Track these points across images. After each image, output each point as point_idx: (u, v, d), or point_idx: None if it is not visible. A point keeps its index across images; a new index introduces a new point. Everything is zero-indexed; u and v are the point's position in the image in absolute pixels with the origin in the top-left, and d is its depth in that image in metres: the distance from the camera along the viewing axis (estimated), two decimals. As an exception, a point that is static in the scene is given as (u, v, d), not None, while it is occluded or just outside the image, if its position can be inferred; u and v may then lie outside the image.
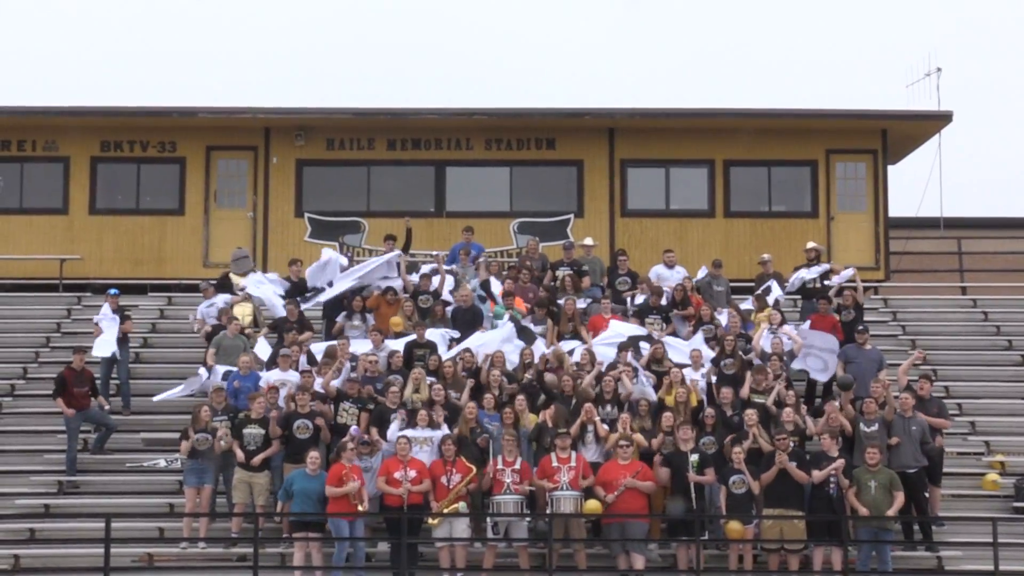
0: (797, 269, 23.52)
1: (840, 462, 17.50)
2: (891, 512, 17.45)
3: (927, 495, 18.61)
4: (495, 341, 20.40)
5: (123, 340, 22.09)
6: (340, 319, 21.70)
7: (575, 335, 21.07)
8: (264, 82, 53.87)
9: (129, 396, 21.81)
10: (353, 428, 18.42)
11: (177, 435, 19.06)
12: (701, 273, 23.44)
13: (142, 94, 51.17)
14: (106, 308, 22.17)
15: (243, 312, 21.87)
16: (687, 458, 17.71)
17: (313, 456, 17.63)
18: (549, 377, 19.38)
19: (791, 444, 17.82)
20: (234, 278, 23.14)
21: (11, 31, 58.38)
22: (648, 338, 20.64)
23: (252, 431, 18.41)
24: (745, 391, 19.08)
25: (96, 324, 22.07)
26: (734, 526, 17.48)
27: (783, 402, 18.79)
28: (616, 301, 22.12)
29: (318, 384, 19.09)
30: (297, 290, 22.68)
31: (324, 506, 17.56)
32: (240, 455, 18.27)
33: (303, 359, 20.03)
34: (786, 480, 17.54)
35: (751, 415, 18.34)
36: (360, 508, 17.33)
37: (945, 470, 19.29)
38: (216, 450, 18.42)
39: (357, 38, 58.63)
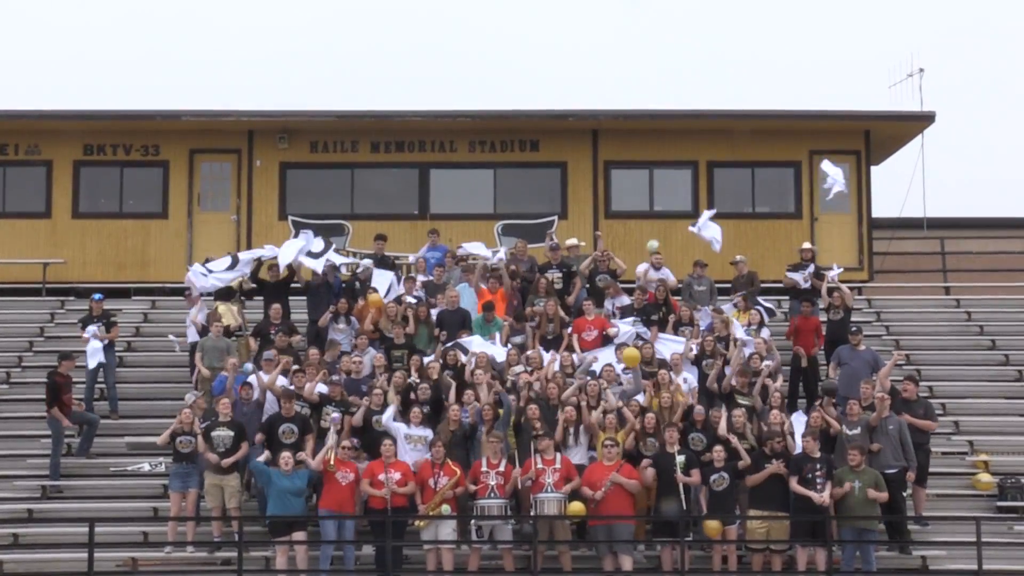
0: (791, 268, 23.52)
1: (824, 498, 17.45)
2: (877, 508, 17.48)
3: (908, 493, 18.65)
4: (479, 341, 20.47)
5: (109, 344, 22.03)
6: (327, 319, 21.64)
7: (556, 338, 21.05)
8: (247, 85, 53.86)
9: (116, 400, 21.75)
10: (334, 415, 18.40)
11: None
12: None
13: (125, 97, 51.17)
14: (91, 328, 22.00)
15: (226, 313, 21.80)
16: (673, 459, 17.73)
17: (286, 457, 17.60)
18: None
19: (777, 444, 17.86)
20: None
21: (-7, 35, 58.25)
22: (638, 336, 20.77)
23: (221, 433, 18.37)
24: (726, 384, 19.08)
25: (85, 336, 21.93)
26: (712, 525, 17.50)
27: (770, 403, 18.81)
28: (597, 302, 22.10)
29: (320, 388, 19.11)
30: (276, 290, 22.53)
31: (303, 501, 17.60)
32: (214, 458, 18.22)
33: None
34: (772, 482, 17.58)
35: (739, 417, 18.37)
36: (330, 463, 17.41)
37: (929, 470, 19.33)
38: (201, 449, 18.37)
39: (340, 41, 58.63)
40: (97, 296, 22.67)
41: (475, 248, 23.55)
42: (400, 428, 18.31)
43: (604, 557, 17.66)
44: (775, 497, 17.64)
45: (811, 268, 23.26)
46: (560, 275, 22.78)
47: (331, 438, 17.72)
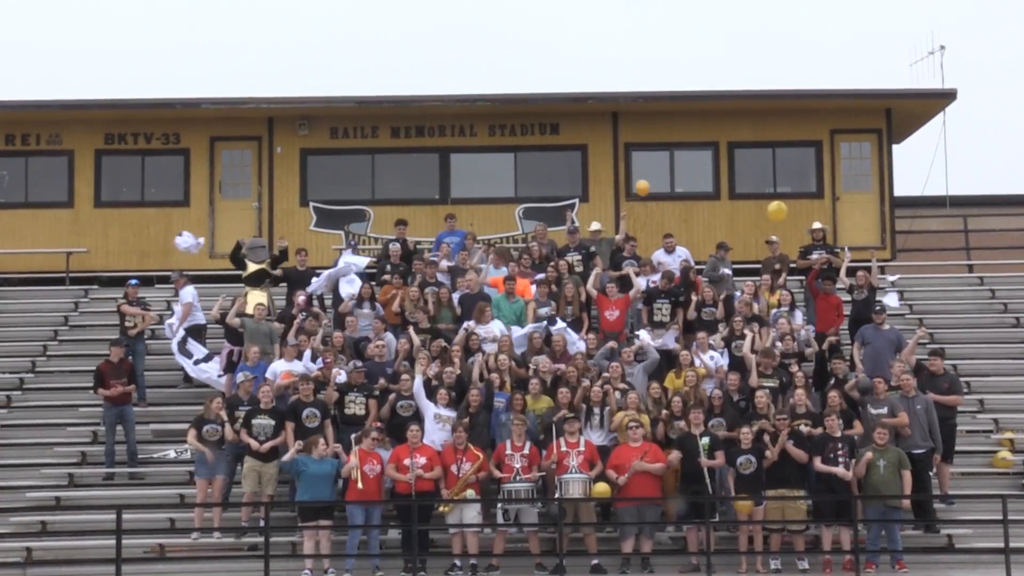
0: (804, 249, 23.36)
1: (848, 473, 17.42)
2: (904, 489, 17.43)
3: (933, 472, 18.59)
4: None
5: (139, 333, 22.06)
6: (350, 306, 21.67)
7: (576, 319, 21.03)
8: (267, 72, 53.91)
9: (144, 388, 21.77)
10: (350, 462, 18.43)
11: (187, 426, 19.11)
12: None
13: (145, 86, 51.28)
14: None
15: (258, 299, 21.80)
16: (697, 441, 17.74)
17: (321, 447, 17.65)
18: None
19: (799, 425, 17.83)
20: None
21: (13, 25, 58.43)
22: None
23: (262, 422, 18.44)
24: (754, 380, 18.98)
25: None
26: (744, 497, 17.50)
27: (794, 383, 18.78)
28: (621, 287, 22.03)
29: (341, 377, 19.14)
30: (301, 278, 22.58)
31: (333, 487, 17.65)
32: (254, 444, 18.27)
33: (316, 341, 20.11)
34: (788, 460, 17.57)
35: (761, 397, 18.34)
36: (357, 484, 17.43)
37: (955, 448, 19.25)
38: (242, 437, 18.43)
39: (359, 26, 58.60)
40: (133, 281, 22.69)
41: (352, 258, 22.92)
42: (429, 406, 18.36)
43: (626, 539, 17.66)
44: (790, 476, 17.62)
45: (823, 251, 22.97)
46: (579, 258, 22.73)
47: (353, 460, 17.65)
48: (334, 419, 18.69)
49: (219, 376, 21.21)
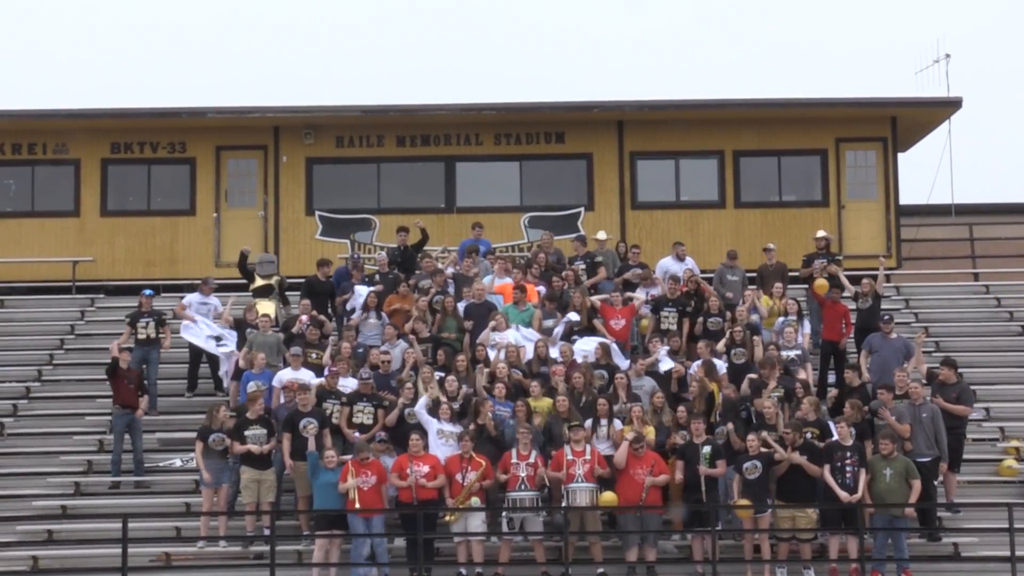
0: (808, 258, 23.34)
1: (852, 496, 17.36)
2: (911, 500, 17.42)
3: (940, 480, 18.56)
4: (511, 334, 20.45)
5: (155, 342, 21.94)
6: (356, 316, 21.68)
7: (586, 327, 21.03)
8: (273, 81, 53.98)
9: (156, 397, 21.78)
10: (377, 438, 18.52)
11: (193, 435, 19.13)
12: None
13: (151, 95, 51.32)
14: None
15: (265, 310, 21.81)
16: (698, 450, 17.72)
17: (329, 455, 17.69)
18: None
19: (806, 437, 17.80)
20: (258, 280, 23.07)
21: (19, 35, 58.57)
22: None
23: (255, 432, 18.47)
24: (760, 400, 18.88)
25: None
26: (744, 503, 17.48)
27: (795, 395, 18.75)
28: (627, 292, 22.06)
29: (343, 385, 19.17)
30: (324, 289, 22.61)
31: (345, 497, 17.66)
32: (255, 448, 18.29)
33: (326, 356, 20.17)
34: (796, 473, 17.54)
35: (769, 407, 18.31)
36: (355, 504, 17.45)
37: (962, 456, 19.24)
38: (237, 449, 18.45)
39: (365, 35, 58.71)
40: (148, 292, 22.55)
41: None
42: (432, 422, 18.36)
43: (629, 549, 17.65)
44: (800, 489, 17.59)
45: (824, 259, 22.95)
46: (584, 266, 22.74)
47: (350, 480, 17.64)
48: (335, 429, 18.71)
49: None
